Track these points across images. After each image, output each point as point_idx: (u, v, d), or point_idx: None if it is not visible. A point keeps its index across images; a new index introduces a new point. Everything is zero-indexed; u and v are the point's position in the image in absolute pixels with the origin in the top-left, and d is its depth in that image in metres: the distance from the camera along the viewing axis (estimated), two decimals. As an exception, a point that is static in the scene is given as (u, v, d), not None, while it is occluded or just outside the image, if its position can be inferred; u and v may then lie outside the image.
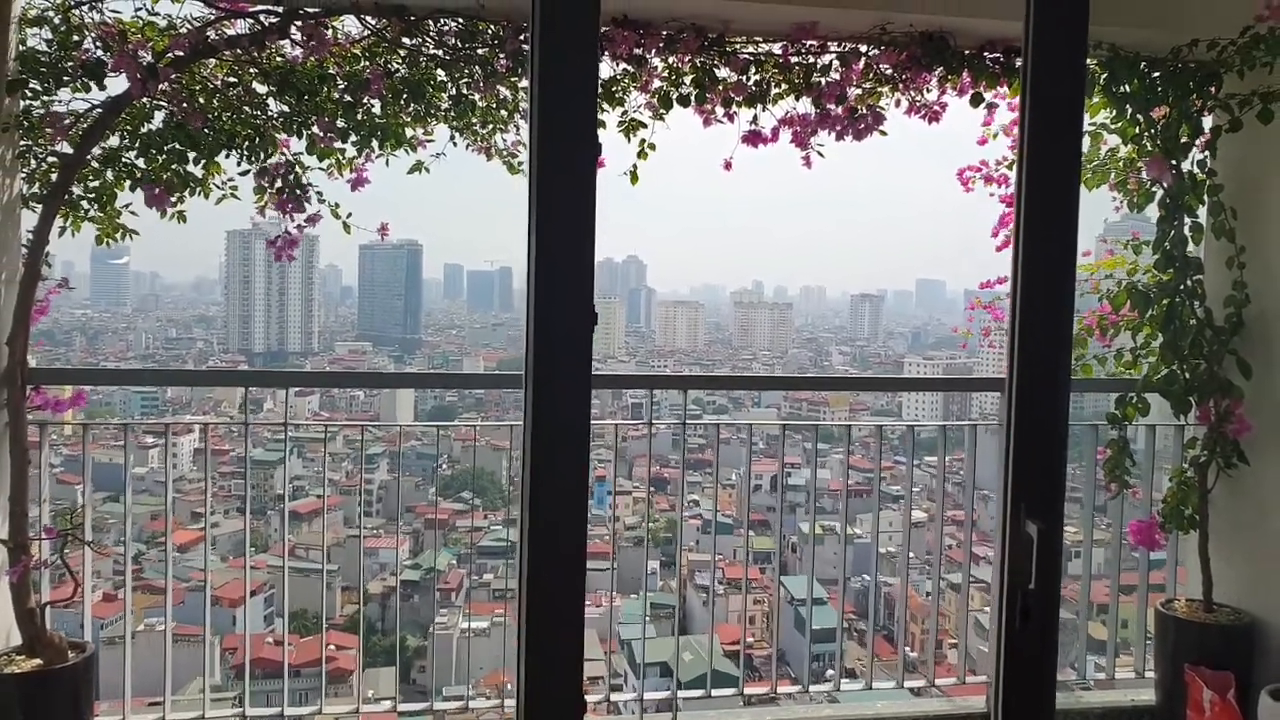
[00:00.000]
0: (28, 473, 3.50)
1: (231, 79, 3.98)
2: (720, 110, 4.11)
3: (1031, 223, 2.30)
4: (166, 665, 3.92)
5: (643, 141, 4.19)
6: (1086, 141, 4.32)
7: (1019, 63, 3.99)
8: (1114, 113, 4.13)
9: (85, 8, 3.76)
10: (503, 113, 4.18)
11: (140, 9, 3.79)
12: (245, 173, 4.07)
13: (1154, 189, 4.14)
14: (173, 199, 3.96)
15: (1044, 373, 2.31)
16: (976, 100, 4.08)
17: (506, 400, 14.06)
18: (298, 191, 4.05)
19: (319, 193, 4.13)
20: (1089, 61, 4.03)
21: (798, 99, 4.10)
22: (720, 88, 4.03)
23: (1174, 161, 4.06)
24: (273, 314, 16.19)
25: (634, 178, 4.17)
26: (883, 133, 4.25)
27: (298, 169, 4.06)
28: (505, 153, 4.33)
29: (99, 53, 3.70)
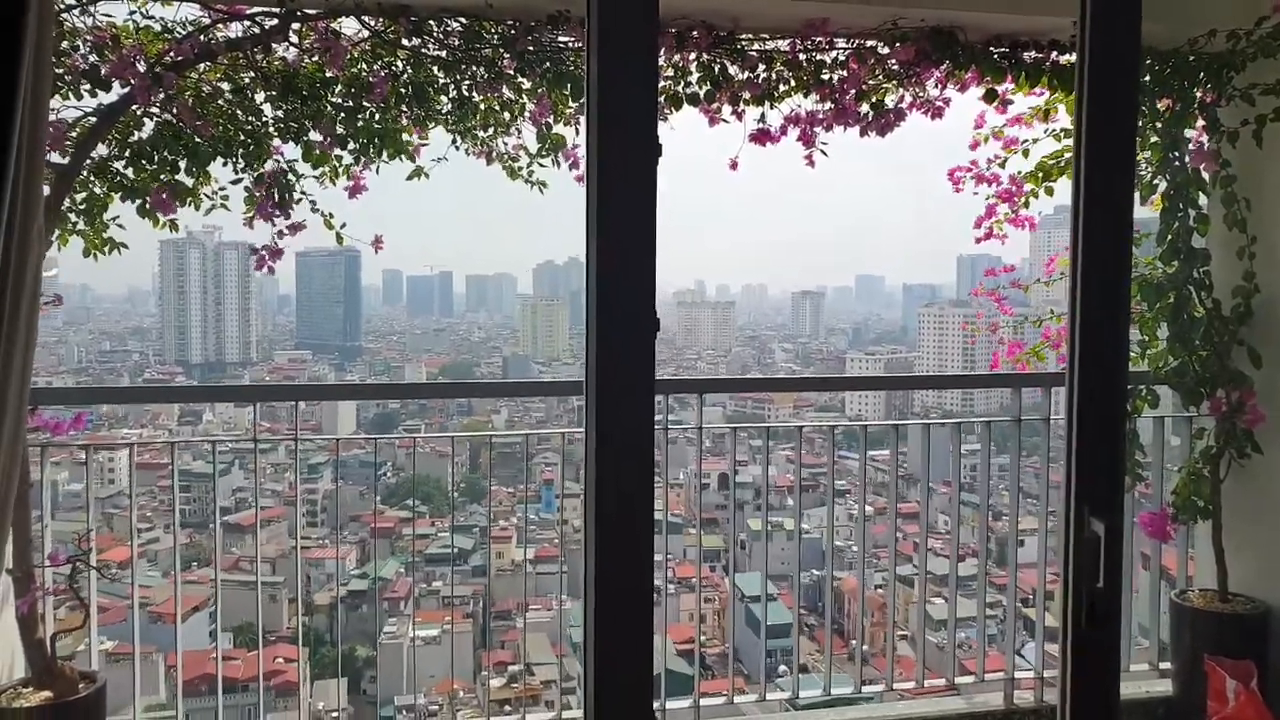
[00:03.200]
0: (29, 498, 3.32)
1: (226, 84, 3.84)
2: (728, 109, 4.07)
3: (1090, 224, 2.31)
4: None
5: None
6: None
7: (1027, 57, 4.05)
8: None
9: (76, 12, 3.58)
10: (505, 115, 4.09)
11: (134, 13, 3.64)
12: (237, 181, 3.93)
13: (1156, 181, 4.20)
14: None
15: (1104, 376, 2.32)
16: (991, 96, 4.11)
17: (450, 407, 13.85)
18: (286, 196, 3.90)
19: (313, 201, 4.00)
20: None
21: (806, 96, 4.08)
22: (729, 86, 4.00)
23: (1176, 154, 4.13)
24: (209, 324, 15.71)
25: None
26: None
27: (291, 176, 3.92)
28: (506, 156, 4.24)
29: (93, 58, 3.54)
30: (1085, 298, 2.31)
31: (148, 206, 3.81)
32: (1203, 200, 4.24)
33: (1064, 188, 4.47)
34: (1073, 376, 2.33)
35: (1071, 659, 2.36)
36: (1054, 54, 4.07)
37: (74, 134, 3.60)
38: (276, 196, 3.88)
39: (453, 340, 18.60)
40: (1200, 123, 4.14)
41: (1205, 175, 4.15)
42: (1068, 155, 4.44)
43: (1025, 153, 4.44)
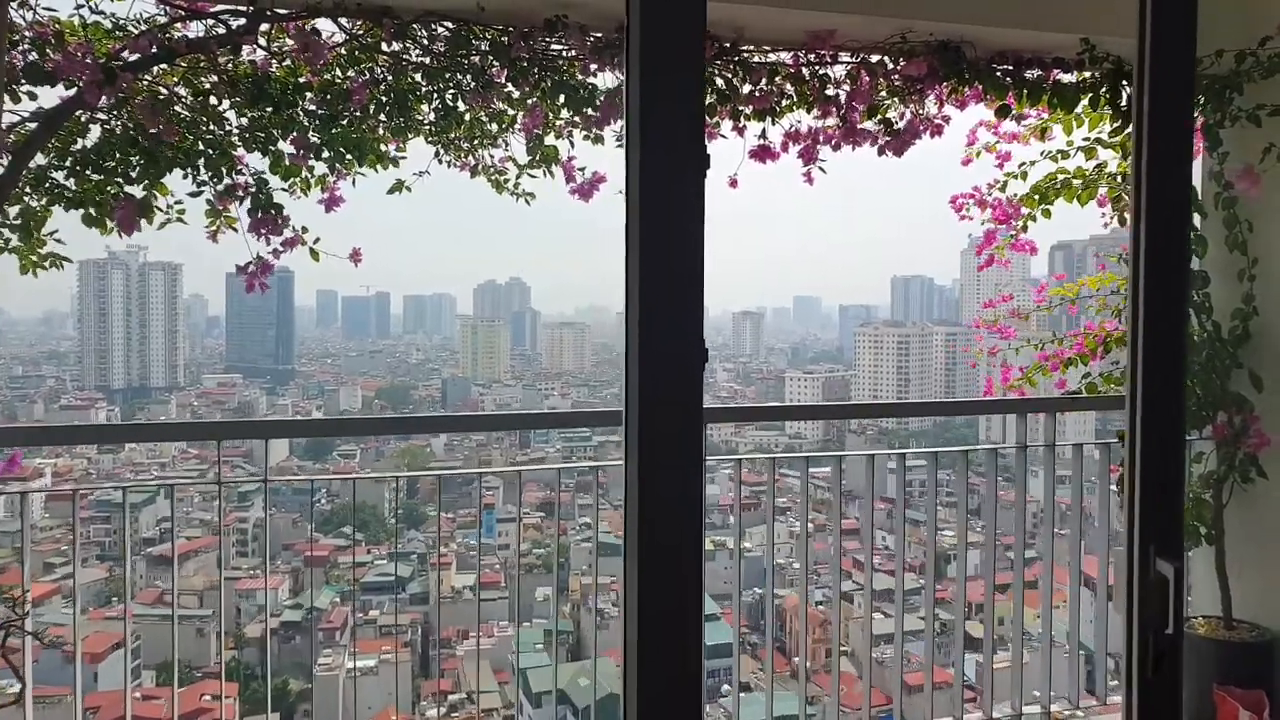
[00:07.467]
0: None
1: (184, 89, 3.52)
2: (728, 124, 3.87)
3: (1153, 259, 2.19)
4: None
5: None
6: (1079, 157, 4.29)
7: (1029, 75, 3.94)
8: (1113, 126, 4.08)
9: (14, 5, 3.24)
10: (493, 126, 3.84)
11: (81, 7, 3.32)
12: (197, 194, 3.61)
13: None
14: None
15: (1165, 415, 2.22)
16: (1004, 111, 3.97)
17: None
18: (271, 211, 3.60)
19: (286, 215, 3.71)
20: (1090, 74, 3.98)
21: (809, 111, 3.90)
22: (733, 99, 3.79)
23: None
24: (133, 347, 15.03)
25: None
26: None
27: (266, 188, 3.62)
28: (492, 170, 3.98)
29: (33, 56, 3.21)
30: (1149, 333, 2.22)
31: (103, 220, 3.49)
32: (1196, 221, 4.16)
33: (1061, 210, 4.38)
34: (1134, 420, 2.23)
35: (1138, 708, 2.23)
36: (1056, 72, 3.96)
37: (8, 140, 3.27)
38: (261, 213, 3.57)
39: (389, 362, 18.18)
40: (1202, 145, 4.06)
41: (1245, 197, 4.02)
42: (1062, 177, 4.34)
43: (1023, 175, 4.34)
